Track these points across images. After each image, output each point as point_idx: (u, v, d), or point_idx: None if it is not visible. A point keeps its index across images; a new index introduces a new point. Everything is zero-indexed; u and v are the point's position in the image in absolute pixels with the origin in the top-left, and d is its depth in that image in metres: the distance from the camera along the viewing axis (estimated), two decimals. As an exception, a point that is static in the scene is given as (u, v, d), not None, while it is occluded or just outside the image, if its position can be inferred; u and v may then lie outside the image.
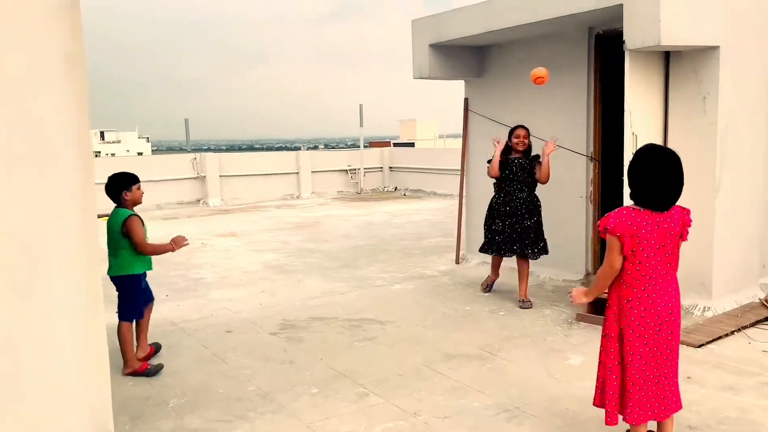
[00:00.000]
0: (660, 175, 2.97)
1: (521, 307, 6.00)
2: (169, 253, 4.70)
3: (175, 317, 5.88)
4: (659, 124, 5.83)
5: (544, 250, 6.16)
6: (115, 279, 4.53)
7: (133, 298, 4.58)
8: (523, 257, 6.16)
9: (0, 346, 2.68)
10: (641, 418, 3.10)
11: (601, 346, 3.29)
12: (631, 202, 3.14)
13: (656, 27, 5.05)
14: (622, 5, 5.27)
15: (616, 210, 3.11)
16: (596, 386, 3.34)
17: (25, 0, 2.62)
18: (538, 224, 6.14)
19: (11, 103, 2.64)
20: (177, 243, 4.55)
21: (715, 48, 5.41)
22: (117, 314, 4.54)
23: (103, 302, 3.03)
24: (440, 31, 7.06)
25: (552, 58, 6.88)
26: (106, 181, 4.53)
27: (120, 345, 4.53)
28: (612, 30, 6.21)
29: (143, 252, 4.49)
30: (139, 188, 4.61)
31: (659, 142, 5.81)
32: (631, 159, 3.11)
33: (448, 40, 7.03)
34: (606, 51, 6.54)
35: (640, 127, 5.53)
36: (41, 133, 2.73)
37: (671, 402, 3.16)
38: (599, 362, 3.32)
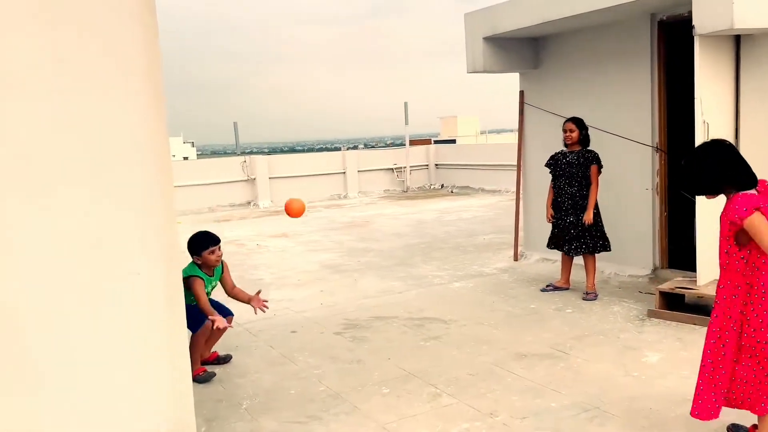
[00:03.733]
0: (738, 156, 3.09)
1: (584, 299, 5.91)
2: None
3: (238, 318, 5.85)
4: (730, 112, 5.60)
5: (604, 247, 6.01)
6: None
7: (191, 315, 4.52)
8: (572, 254, 6.13)
9: (84, 354, 2.71)
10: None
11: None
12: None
13: (729, 10, 4.84)
14: (689, -11, 5.08)
15: (741, 197, 3.00)
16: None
17: (108, 9, 2.64)
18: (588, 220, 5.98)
19: (88, 109, 2.66)
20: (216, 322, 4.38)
21: (791, 29, 5.16)
22: None
23: (184, 303, 3.04)
24: (495, 23, 6.93)
25: (612, 46, 6.69)
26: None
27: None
28: (677, 16, 5.99)
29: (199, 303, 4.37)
30: (212, 252, 4.44)
31: (731, 129, 5.60)
32: (713, 155, 3.07)
33: (503, 32, 6.89)
34: (669, 38, 6.31)
35: (712, 115, 5.32)
36: (120, 138, 2.74)
37: None
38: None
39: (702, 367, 3.17)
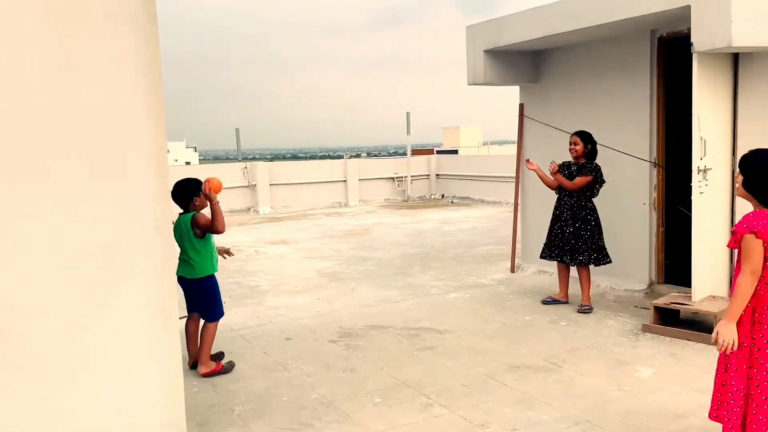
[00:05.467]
0: None
1: (579, 312, 5.92)
2: (223, 261, 4.96)
3: (234, 324, 5.92)
4: (728, 129, 5.63)
5: (598, 260, 6.01)
6: (196, 282, 4.61)
7: (218, 297, 4.74)
8: (565, 264, 6.20)
9: (77, 352, 2.73)
10: None
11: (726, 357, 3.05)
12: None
13: (727, 28, 4.88)
14: (689, 6, 5.12)
15: (752, 213, 2.93)
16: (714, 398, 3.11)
17: (113, 20, 2.68)
18: (584, 231, 5.99)
19: (90, 115, 2.69)
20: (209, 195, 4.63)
21: (790, 48, 5.19)
22: (203, 317, 4.71)
23: (177, 308, 3.06)
24: (497, 36, 6.98)
25: (612, 61, 6.74)
26: (172, 187, 4.58)
27: (202, 346, 4.63)
28: (677, 32, 6.04)
29: (221, 228, 4.57)
30: (200, 195, 4.71)
31: (728, 146, 5.63)
32: (757, 164, 2.96)
33: (505, 45, 6.94)
34: (669, 54, 6.36)
35: (709, 132, 5.35)
36: (118, 145, 2.77)
37: None
38: (718, 373, 3.09)
39: (716, 381, 3.11)
